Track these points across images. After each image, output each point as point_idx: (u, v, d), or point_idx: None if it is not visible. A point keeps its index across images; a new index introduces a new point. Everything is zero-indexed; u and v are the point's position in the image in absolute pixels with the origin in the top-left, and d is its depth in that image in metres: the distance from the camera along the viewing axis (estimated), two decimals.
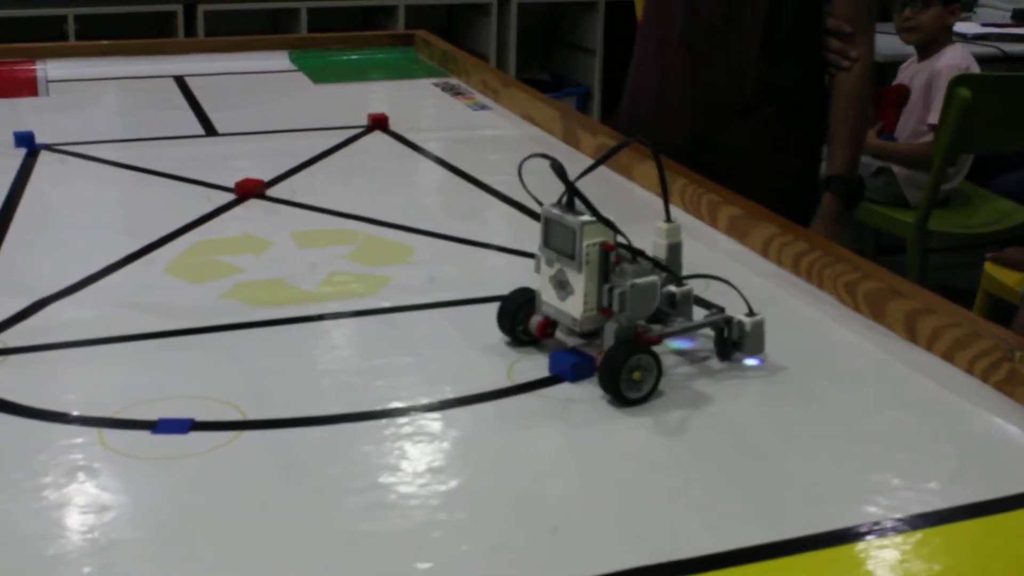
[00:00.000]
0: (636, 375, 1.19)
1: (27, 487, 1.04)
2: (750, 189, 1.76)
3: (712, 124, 2.22)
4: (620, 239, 1.23)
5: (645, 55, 2.38)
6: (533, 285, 1.30)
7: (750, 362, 1.30)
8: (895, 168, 3.67)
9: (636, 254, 1.23)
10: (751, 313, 1.30)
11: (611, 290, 1.20)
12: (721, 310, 1.30)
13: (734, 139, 2.21)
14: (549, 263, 1.25)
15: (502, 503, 1.03)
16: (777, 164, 2.21)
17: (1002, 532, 1.01)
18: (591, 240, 1.20)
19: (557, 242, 1.23)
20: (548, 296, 1.26)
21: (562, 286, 1.24)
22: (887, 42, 3.89)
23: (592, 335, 1.26)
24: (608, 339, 1.21)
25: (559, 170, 1.21)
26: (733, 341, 1.29)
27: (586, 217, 1.21)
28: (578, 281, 1.22)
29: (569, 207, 1.22)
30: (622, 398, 1.18)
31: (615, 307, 1.20)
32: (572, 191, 1.21)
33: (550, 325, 1.28)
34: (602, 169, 1.31)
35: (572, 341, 1.30)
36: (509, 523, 1.00)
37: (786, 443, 1.15)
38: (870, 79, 2.24)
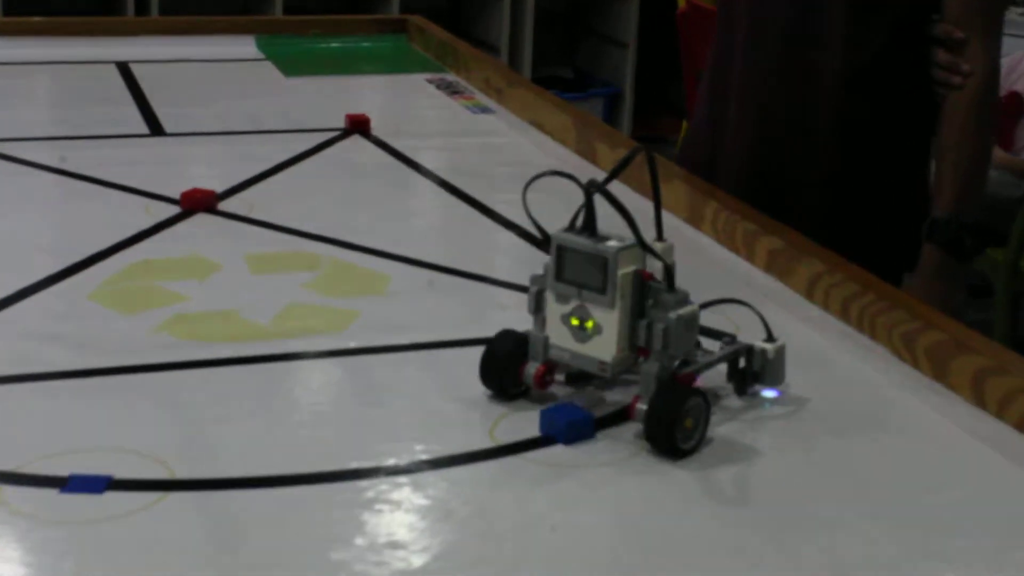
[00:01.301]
0: (688, 423, 1.20)
1: None
2: (827, 239, 1.73)
3: (775, 166, 2.17)
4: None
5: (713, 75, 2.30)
6: (517, 326, 1.31)
7: (769, 394, 1.33)
8: None
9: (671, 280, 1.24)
10: (770, 339, 1.32)
11: (650, 325, 1.21)
12: (733, 338, 1.33)
13: (805, 186, 2.15)
14: (562, 299, 1.24)
15: None
16: (864, 214, 2.15)
17: None
18: (625, 269, 1.21)
19: (577, 274, 1.22)
20: (560, 339, 1.25)
21: (583, 325, 1.23)
22: None
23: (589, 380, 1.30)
24: (647, 383, 1.22)
25: (590, 191, 1.22)
26: (753, 372, 1.32)
27: (618, 243, 1.21)
28: (609, 319, 1.21)
29: (586, 231, 1.23)
30: (676, 451, 1.20)
31: (656, 345, 1.21)
32: (625, 216, 1.20)
33: (550, 373, 1.29)
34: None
35: (562, 391, 1.31)
36: None
37: (822, 523, 1.15)
38: (988, 97, 2.12)
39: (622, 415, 1.27)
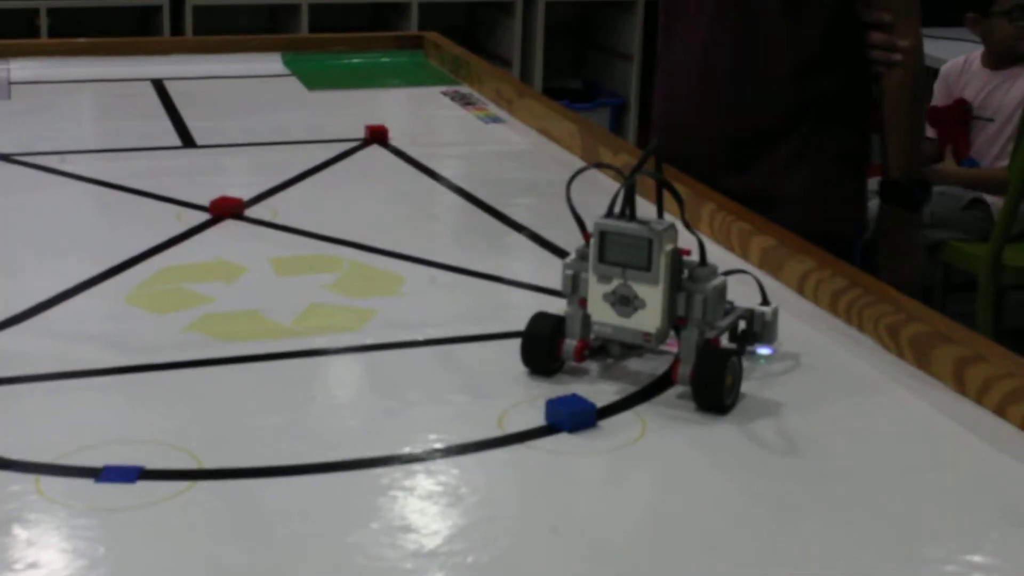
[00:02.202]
0: (729, 380, 1.27)
1: None
2: (786, 216, 1.78)
3: (740, 147, 2.21)
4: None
5: (670, 65, 2.34)
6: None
7: (764, 351, 1.41)
8: (989, 198, 3.66)
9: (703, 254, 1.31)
10: (765, 302, 1.42)
11: (689, 297, 1.27)
12: (732, 304, 1.36)
13: (766, 164, 2.21)
14: (604, 279, 1.29)
15: (483, 568, 1.03)
16: (817, 188, 2.21)
17: None
18: (666, 248, 1.26)
19: (621, 255, 1.27)
20: (603, 315, 1.30)
21: (626, 302, 1.28)
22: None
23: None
24: (688, 349, 1.28)
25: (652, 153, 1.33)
26: (754, 332, 1.39)
27: (657, 225, 1.27)
28: (653, 294, 1.26)
29: (624, 216, 1.28)
30: (722, 407, 1.27)
31: (696, 314, 1.27)
32: (675, 195, 1.30)
33: (586, 348, 1.34)
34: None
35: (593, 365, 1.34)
36: None
37: (813, 506, 1.15)
38: (922, 72, 2.21)
39: (623, 404, 1.29)
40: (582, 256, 1.32)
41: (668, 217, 1.32)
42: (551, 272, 1.60)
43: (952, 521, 1.13)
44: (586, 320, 1.33)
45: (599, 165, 1.35)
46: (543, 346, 1.34)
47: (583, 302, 1.32)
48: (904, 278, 2.10)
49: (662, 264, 1.26)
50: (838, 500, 1.15)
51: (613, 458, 1.20)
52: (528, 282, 1.62)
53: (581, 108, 5.05)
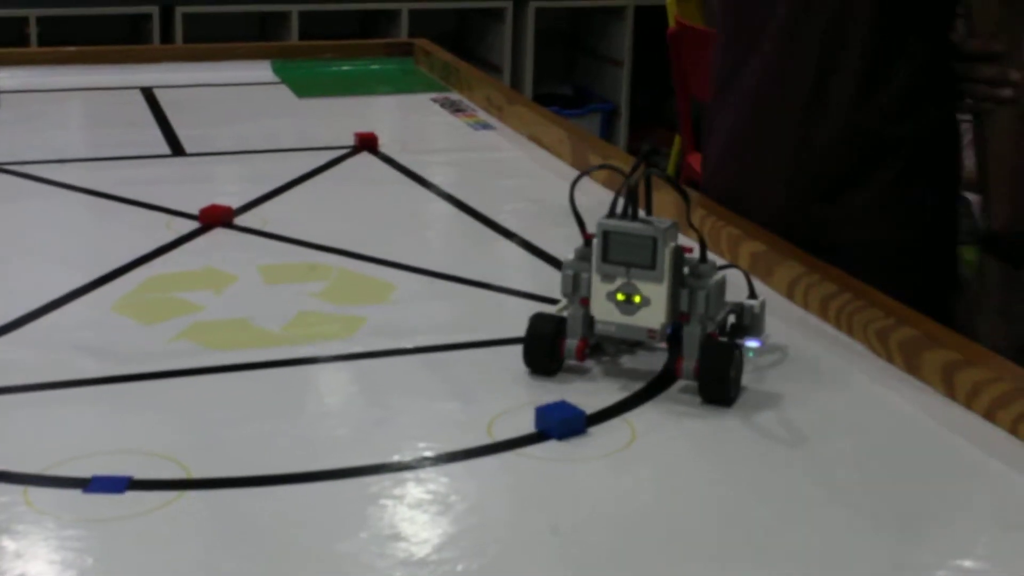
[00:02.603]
0: (733, 373, 1.31)
1: None
2: (862, 268, 1.63)
3: (811, 195, 1.95)
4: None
5: (735, 98, 2.07)
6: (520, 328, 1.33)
7: (752, 344, 1.43)
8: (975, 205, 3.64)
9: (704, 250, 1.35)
10: (753, 296, 1.46)
11: (692, 293, 1.31)
12: None
13: (840, 212, 1.96)
14: (608, 279, 1.31)
15: (472, 573, 1.03)
16: (899, 239, 1.97)
17: None
18: (669, 246, 1.29)
19: (625, 254, 1.30)
20: (605, 314, 1.32)
21: (629, 300, 1.31)
22: None
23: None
24: (691, 344, 1.32)
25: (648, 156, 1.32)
26: (743, 325, 1.43)
27: (664, 223, 1.30)
28: (658, 291, 1.29)
29: (626, 216, 1.31)
30: (728, 400, 1.31)
31: (699, 309, 1.31)
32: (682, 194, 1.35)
33: (587, 347, 1.36)
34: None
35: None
36: None
37: (803, 511, 1.15)
38: None
39: (613, 410, 1.29)
40: (582, 257, 1.34)
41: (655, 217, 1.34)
42: (542, 279, 1.61)
43: (942, 526, 1.13)
44: (587, 319, 1.34)
45: (604, 167, 1.36)
46: (546, 346, 1.36)
47: (584, 301, 1.34)
48: (1009, 343, 1.81)
49: (667, 262, 1.29)
50: (828, 505, 1.16)
51: (603, 464, 1.20)
52: (519, 289, 1.63)
53: (572, 114, 5.06)
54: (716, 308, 1.33)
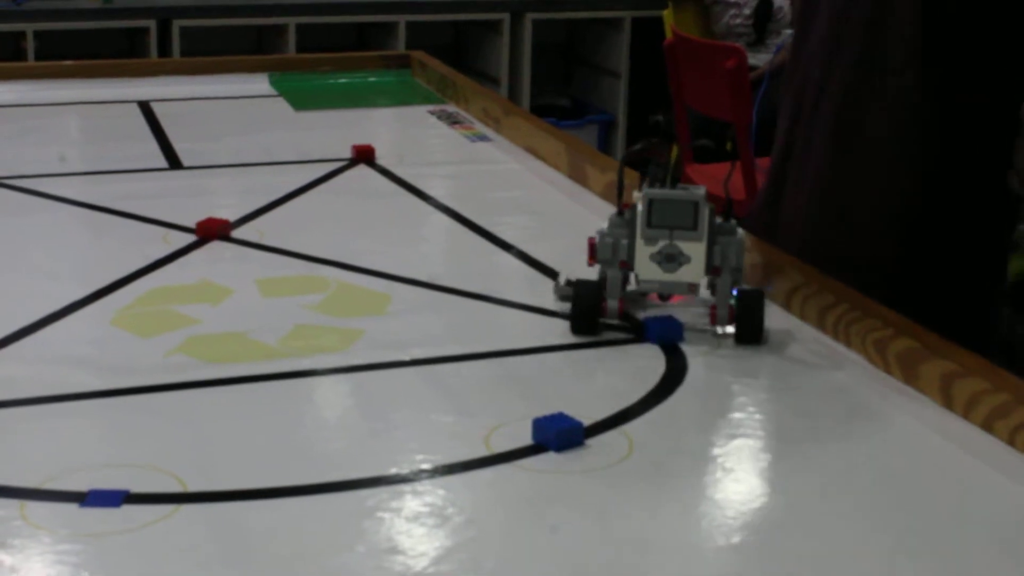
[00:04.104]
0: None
1: None
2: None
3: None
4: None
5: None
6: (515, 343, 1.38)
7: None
8: None
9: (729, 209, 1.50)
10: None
11: (724, 248, 1.46)
12: None
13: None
14: (651, 241, 1.45)
15: None
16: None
17: None
18: (707, 208, 1.45)
19: (668, 219, 1.45)
20: (649, 273, 1.47)
21: (672, 259, 1.46)
22: None
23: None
24: (723, 293, 1.48)
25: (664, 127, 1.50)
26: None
27: (699, 189, 1.46)
28: (698, 249, 1.45)
29: (664, 183, 1.46)
30: (760, 339, 1.48)
31: (731, 263, 1.47)
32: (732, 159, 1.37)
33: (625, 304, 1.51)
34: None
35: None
36: None
37: (798, 521, 1.15)
38: None
39: (611, 422, 1.29)
40: (615, 225, 1.48)
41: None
42: (540, 290, 1.61)
43: (939, 537, 1.13)
44: (624, 280, 1.49)
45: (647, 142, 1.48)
46: (594, 308, 1.48)
47: (623, 264, 1.47)
48: None
49: (705, 222, 1.44)
50: (824, 515, 1.16)
51: (601, 477, 1.20)
52: (517, 301, 1.62)
53: (569, 125, 5.06)
54: (741, 260, 1.48)
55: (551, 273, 1.67)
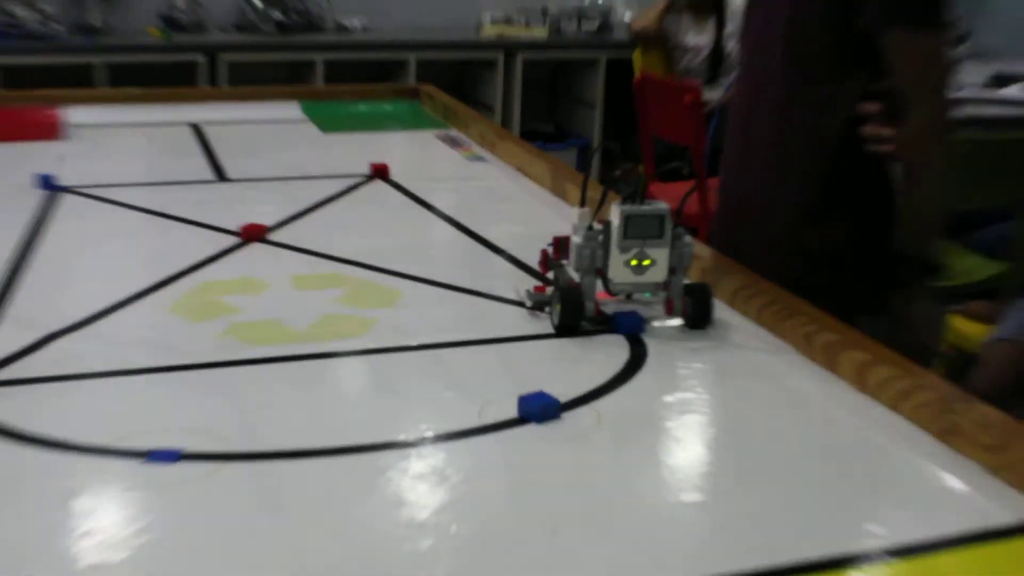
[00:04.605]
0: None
1: (24, 509, 1.06)
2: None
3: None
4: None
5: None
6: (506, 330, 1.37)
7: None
8: None
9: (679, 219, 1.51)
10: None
11: (679, 252, 1.49)
12: None
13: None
14: (626, 250, 1.48)
15: (465, 535, 1.04)
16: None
17: (934, 572, 1.02)
18: (669, 220, 1.47)
19: (640, 231, 1.47)
20: (623, 276, 1.49)
21: (642, 264, 1.48)
22: None
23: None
24: (678, 289, 1.51)
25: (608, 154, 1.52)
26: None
27: (663, 204, 1.48)
28: (662, 254, 1.49)
29: (634, 201, 1.47)
30: (709, 323, 1.52)
31: (684, 263, 1.50)
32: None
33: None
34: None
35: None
36: (468, 555, 1.01)
37: (737, 480, 1.16)
38: (928, 148, 1.90)
39: (582, 399, 1.30)
40: (589, 239, 1.48)
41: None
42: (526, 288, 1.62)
43: (850, 497, 1.14)
44: (598, 285, 1.50)
45: (606, 148, 1.50)
46: (579, 309, 1.48)
47: (599, 272, 1.49)
48: (914, 349, 1.65)
49: (668, 232, 1.47)
50: (755, 474, 1.17)
51: (574, 445, 1.21)
52: (506, 296, 1.63)
53: (553, 148, 5.06)
54: (690, 261, 1.51)
55: (535, 274, 1.68)
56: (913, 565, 1.02)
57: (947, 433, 1.24)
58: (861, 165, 1.95)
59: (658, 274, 1.49)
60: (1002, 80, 4.52)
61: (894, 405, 1.31)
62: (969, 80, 4.59)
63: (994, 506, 1.12)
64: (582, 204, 1.51)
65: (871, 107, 1.90)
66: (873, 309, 1.93)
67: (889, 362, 1.35)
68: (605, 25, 5.38)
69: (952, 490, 1.16)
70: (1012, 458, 1.16)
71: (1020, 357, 2.82)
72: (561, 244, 1.54)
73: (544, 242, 1.57)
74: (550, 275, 1.59)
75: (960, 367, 2.97)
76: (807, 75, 1.95)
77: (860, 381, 1.36)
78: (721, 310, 1.58)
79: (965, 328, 3.10)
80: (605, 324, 1.51)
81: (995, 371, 2.79)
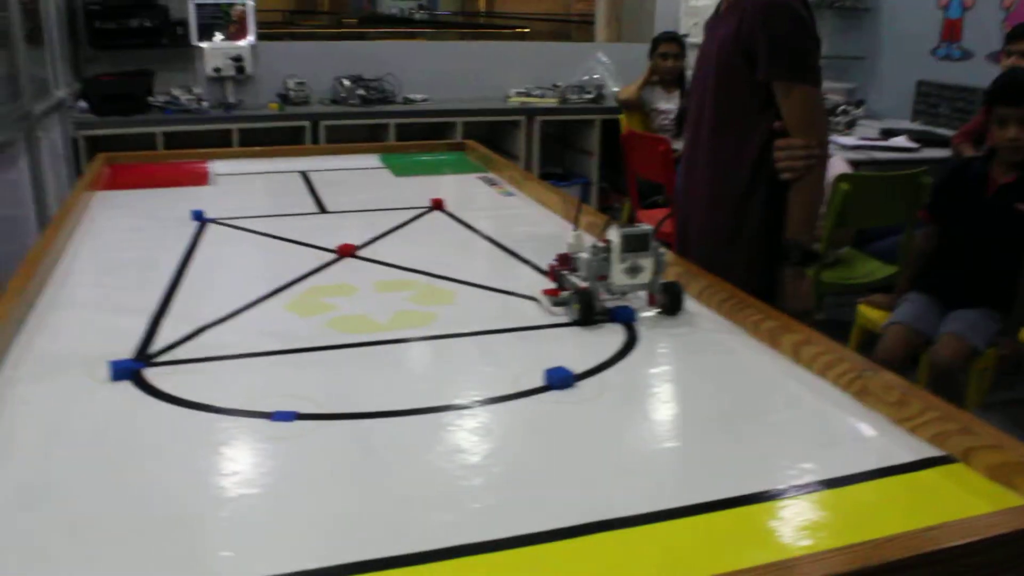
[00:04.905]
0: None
1: (186, 456, 1.06)
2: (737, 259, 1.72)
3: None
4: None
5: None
6: (533, 321, 1.33)
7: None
8: None
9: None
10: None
11: (657, 260, 1.48)
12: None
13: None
14: (623, 260, 1.48)
15: (504, 473, 1.03)
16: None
17: (851, 499, 1.00)
18: (653, 236, 1.48)
19: (633, 245, 1.47)
20: (621, 280, 1.49)
21: (635, 270, 1.48)
22: None
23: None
24: (655, 287, 1.50)
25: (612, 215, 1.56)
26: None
27: (647, 226, 1.48)
28: (649, 262, 1.49)
29: (628, 226, 1.47)
30: (679, 311, 1.50)
31: (661, 269, 1.50)
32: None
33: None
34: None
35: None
36: (508, 488, 1.00)
37: (704, 431, 1.14)
38: (800, 167, 1.93)
39: (591, 372, 1.29)
40: (595, 254, 1.48)
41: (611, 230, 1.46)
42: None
43: (792, 441, 1.12)
44: (605, 288, 1.49)
45: (580, 206, 1.51)
46: (593, 306, 1.47)
47: (601, 278, 1.48)
48: (792, 308, 1.86)
49: (652, 245, 1.47)
50: (712, 422, 1.15)
51: (585, 406, 1.20)
52: (531, 295, 1.62)
53: (562, 185, 5.04)
54: (665, 267, 1.50)
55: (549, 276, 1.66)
56: (837, 493, 1.01)
57: (861, 393, 1.22)
58: (770, 176, 1.98)
59: (645, 277, 1.49)
60: (889, 133, 4.52)
61: (821, 373, 1.29)
62: (865, 132, 4.58)
63: (897, 447, 1.10)
64: (575, 227, 1.58)
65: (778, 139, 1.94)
66: (768, 283, 1.97)
67: (818, 342, 1.33)
68: (600, 95, 5.36)
69: (866, 436, 1.14)
70: (910, 412, 1.15)
71: (908, 336, 2.78)
72: (564, 259, 1.57)
73: (558, 252, 1.56)
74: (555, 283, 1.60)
75: (865, 343, 2.94)
76: (731, 113, 2.00)
77: (796, 355, 1.34)
78: (690, 304, 1.56)
79: (869, 314, 3.07)
80: (607, 315, 1.49)
81: (891, 346, 2.77)
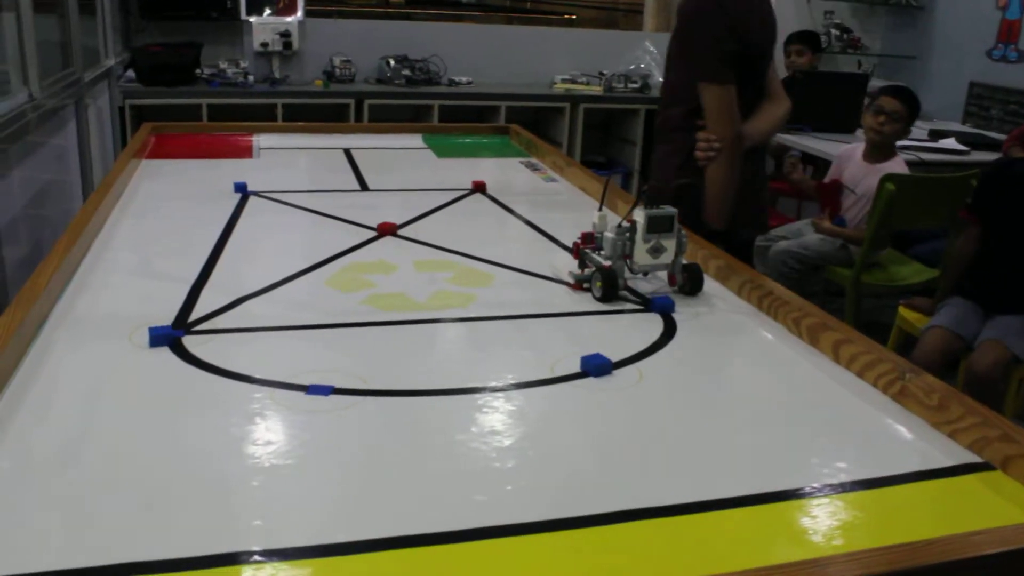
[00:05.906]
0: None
1: (220, 424, 1.07)
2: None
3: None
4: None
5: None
6: (567, 307, 1.31)
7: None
8: (851, 246, 3.53)
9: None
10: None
11: (679, 241, 1.51)
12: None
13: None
14: (647, 240, 1.50)
15: (539, 457, 1.03)
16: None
17: (887, 500, 0.99)
18: (677, 218, 1.50)
19: (658, 226, 1.49)
20: (644, 260, 1.51)
21: (658, 250, 1.51)
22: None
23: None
24: (679, 266, 1.53)
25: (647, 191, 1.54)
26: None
27: (671, 208, 1.50)
28: (672, 243, 1.51)
29: (652, 206, 1.50)
30: (699, 291, 1.53)
31: (683, 249, 1.53)
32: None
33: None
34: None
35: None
36: (542, 472, 1.00)
37: (743, 419, 1.13)
38: (726, 158, 2.20)
39: (629, 360, 1.28)
40: (619, 234, 1.51)
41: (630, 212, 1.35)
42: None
43: (828, 440, 1.11)
44: (631, 265, 1.52)
45: (647, 186, 1.55)
46: (616, 284, 1.50)
47: (626, 257, 1.51)
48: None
49: (676, 227, 1.49)
50: (753, 421, 1.14)
51: (622, 394, 1.19)
52: (569, 282, 1.61)
53: (604, 173, 5.00)
54: (686, 248, 1.54)
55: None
56: (873, 494, 0.99)
57: (900, 395, 1.20)
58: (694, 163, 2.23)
59: (667, 257, 1.52)
60: (938, 134, 4.44)
61: (860, 373, 1.28)
62: (914, 133, 4.49)
63: (935, 451, 1.09)
64: (600, 207, 1.58)
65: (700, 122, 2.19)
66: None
67: (856, 341, 1.31)
68: (645, 85, 5.32)
69: (903, 438, 1.12)
70: (949, 416, 1.13)
71: (947, 340, 2.74)
72: (587, 237, 1.59)
73: (582, 231, 1.59)
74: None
75: (903, 346, 2.90)
76: (677, 103, 2.29)
77: (835, 354, 1.33)
78: (733, 299, 1.55)
79: (908, 317, 3.03)
80: (644, 304, 1.48)
81: (929, 349, 2.73)
